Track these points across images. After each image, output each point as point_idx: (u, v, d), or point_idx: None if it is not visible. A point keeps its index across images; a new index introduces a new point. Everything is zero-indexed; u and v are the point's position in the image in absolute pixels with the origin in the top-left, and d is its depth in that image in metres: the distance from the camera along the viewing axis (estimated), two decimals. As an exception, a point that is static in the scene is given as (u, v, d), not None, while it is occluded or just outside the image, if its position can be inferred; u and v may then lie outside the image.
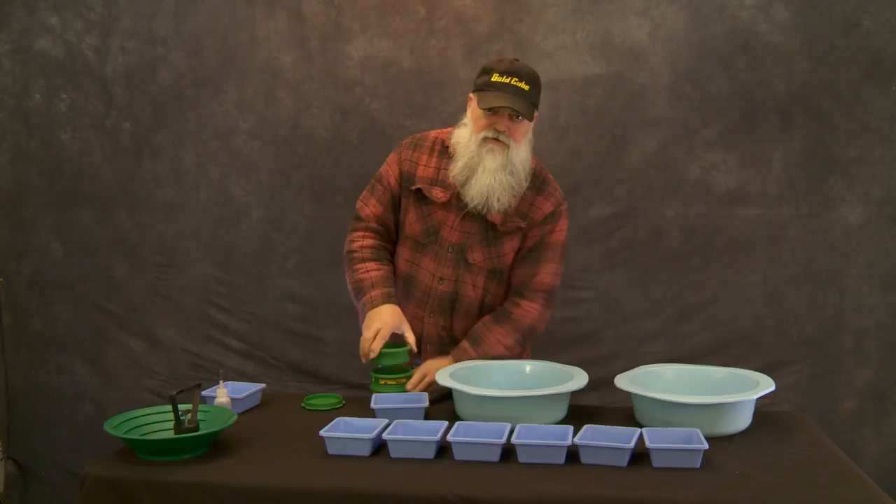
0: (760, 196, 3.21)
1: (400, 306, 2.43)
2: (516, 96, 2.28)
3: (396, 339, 2.41)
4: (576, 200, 3.03)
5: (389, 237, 2.56)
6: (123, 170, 3.51)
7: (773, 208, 3.21)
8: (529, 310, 2.45)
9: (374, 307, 2.39)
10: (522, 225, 2.41)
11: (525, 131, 2.36)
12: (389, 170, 2.52)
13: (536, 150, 2.49)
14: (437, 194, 2.42)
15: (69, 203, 3.55)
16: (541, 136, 2.90)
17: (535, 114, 2.37)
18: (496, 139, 2.31)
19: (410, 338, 2.37)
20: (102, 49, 3.46)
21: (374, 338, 2.32)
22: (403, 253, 2.52)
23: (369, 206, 2.53)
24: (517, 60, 2.37)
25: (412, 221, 2.47)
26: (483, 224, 2.41)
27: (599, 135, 3.25)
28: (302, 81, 3.36)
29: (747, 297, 3.24)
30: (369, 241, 2.52)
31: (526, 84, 2.29)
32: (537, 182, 2.43)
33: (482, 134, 2.32)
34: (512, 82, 2.28)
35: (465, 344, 2.43)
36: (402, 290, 2.52)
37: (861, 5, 3.10)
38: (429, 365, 2.42)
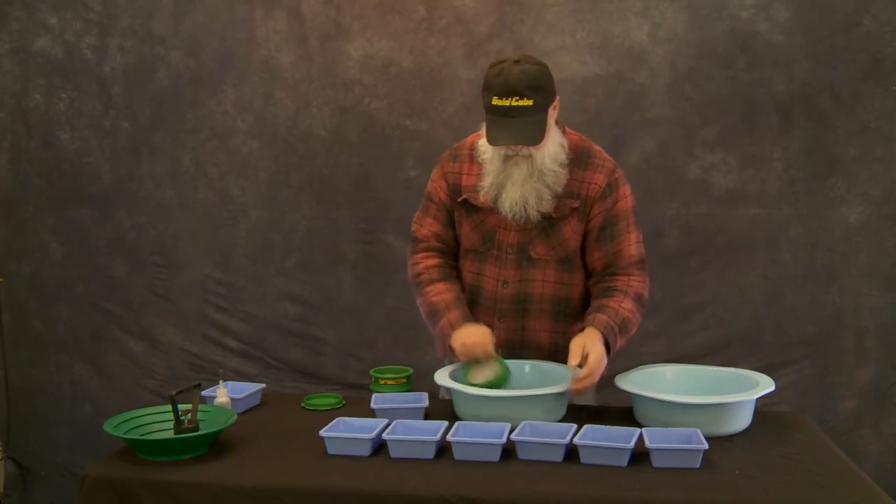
0: (760, 196, 3.20)
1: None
2: (518, 121, 2.16)
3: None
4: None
5: (452, 253, 2.47)
6: (122, 169, 3.50)
7: (773, 208, 3.20)
8: (629, 281, 2.33)
9: (455, 329, 2.29)
10: (576, 205, 2.29)
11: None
12: (437, 186, 2.44)
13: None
14: (484, 199, 2.32)
15: (68, 203, 3.54)
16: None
17: (556, 100, 2.27)
18: (517, 154, 2.25)
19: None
20: (101, 49, 3.46)
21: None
22: (466, 265, 2.45)
23: (425, 226, 2.44)
24: (517, 62, 2.18)
25: (467, 232, 2.40)
26: (537, 217, 2.29)
27: (599, 135, 3.21)
28: (301, 81, 3.36)
29: (747, 297, 3.24)
30: (434, 261, 2.42)
31: (529, 98, 2.15)
32: (582, 157, 2.32)
33: (503, 152, 2.25)
34: (513, 104, 2.14)
35: (591, 318, 2.24)
36: (470, 301, 2.43)
37: (861, 5, 3.10)
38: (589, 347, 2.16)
